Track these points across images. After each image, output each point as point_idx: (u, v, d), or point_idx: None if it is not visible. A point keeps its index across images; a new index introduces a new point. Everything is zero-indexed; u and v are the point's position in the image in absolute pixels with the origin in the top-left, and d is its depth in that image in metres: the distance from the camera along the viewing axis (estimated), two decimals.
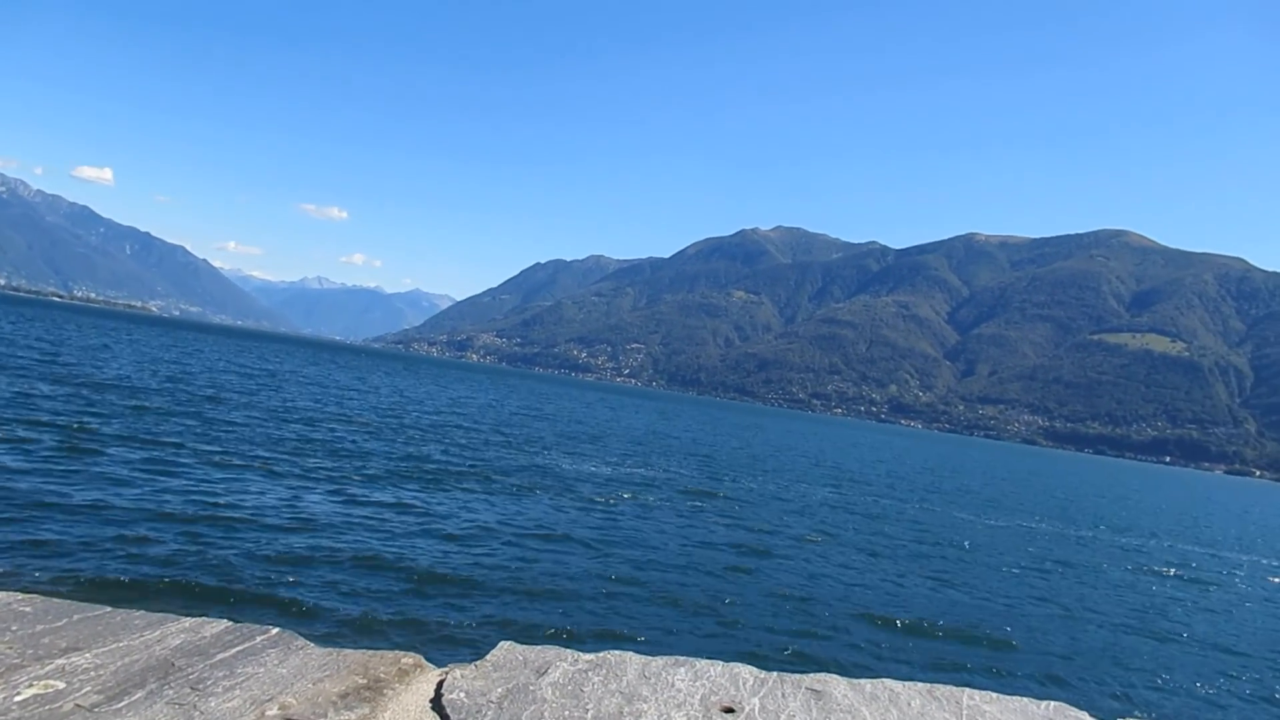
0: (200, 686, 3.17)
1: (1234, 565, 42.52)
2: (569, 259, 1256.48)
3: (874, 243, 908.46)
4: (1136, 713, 15.48)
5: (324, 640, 10.80)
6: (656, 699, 3.37)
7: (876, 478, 63.89)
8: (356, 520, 20.84)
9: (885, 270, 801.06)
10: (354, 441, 36.21)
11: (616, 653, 3.79)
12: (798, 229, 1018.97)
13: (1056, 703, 3.92)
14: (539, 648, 3.80)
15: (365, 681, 3.38)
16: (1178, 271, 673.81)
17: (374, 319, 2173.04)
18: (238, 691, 3.18)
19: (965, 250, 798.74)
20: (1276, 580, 39.25)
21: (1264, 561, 46.69)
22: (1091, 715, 3.79)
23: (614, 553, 21.93)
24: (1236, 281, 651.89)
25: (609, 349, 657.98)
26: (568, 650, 3.79)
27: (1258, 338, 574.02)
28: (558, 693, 3.35)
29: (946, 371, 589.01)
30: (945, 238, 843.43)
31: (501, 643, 3.83)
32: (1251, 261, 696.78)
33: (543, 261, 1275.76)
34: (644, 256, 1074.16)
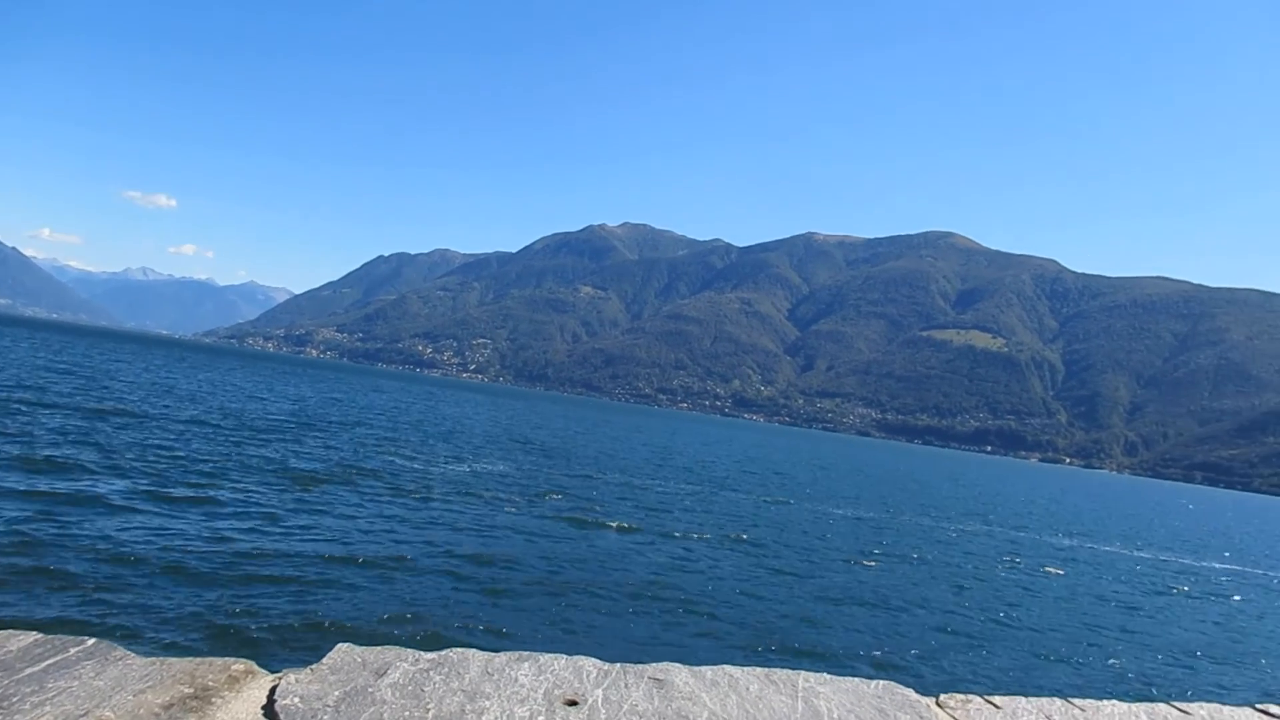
0: (4, 705, 2.93)
1: (1060, 548, 45.20)
2: (414, 252, 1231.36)
3: (719, 240, 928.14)
4: (960, 687, 16.11)
5: (148, 650, 9.97)
6: (499, 695, 3.33)
7: (725, 472, 64.91)
8: (180, 524, 19.89)
9: (729, 267, 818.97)
10: (179, 441, 34.29)
11: (459, 650, 3.74)
12: (645, 226, 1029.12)
13: (886, 681, 4.01)
14: (378, 648, 3.70)
15: (192, 691, 3.20)
16: (999, 272, 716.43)
17: (205, 312, 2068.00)
18: (49, 708, 2.95)
19: (805, 249, 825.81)
20: (1099, 563, 41.88)
21: (1088, 546, 49.79)
22: (918, 692, 3.88)
23: (458, 551, 21.57)
24: (1050, 282, 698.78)
25: (455, 344, 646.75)
26: (408, 650, 3.71)
27: (1069, 334, 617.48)
28: (398, 693, 3.27)
29: (787, 366, 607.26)
30: (786, 236, 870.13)
31: (339, 645, 3.70)
32: (1064, 263, 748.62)
33: (386, 254, 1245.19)
34: (491, 251, 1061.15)
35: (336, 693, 3.24)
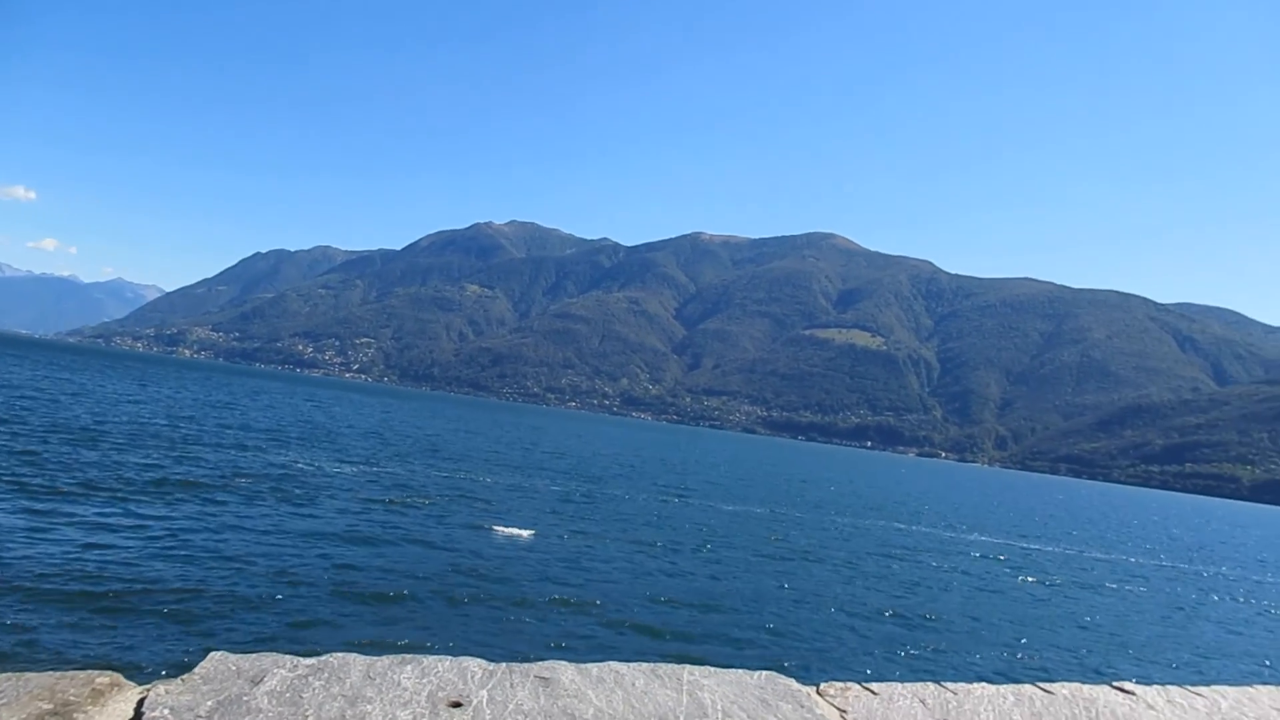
0: None
1: (943, 541, 46.32)
2: (293, 249, 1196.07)
3: (606, 239, 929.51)
4: (841, 675, 16.09)
5: (2, 664, 9.92)
6: (381, 699, 3.27)
7: (613, 469, 64.64)
8: (45, 533, 18.73)
9: (617, 266, 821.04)
10: (45, 447, 32.02)
11: (339, 655, 3.64)
12: (532, 224, 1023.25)
13: (768, 672, 4.06)
14: (254, 655, 3.55)
15: (51, 707, 3.00)
16: (878, 272, 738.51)
17: (68, 310, 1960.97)
18: None
19: (692, 249, 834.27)
20: (976, 555, 43.03)
21: (968, 538, 51.20)
22: (799, 682, 3.95)
23: (343, 555, 21.01)
24: (926, 282, 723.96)
25: (337, 344, 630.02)
26: (286, 656, 3.58)
27: (943, 333, 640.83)
28: (274, 701, 3.15)
29: (675, 365, 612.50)
30: (673, 236, 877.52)
31: (212, 653, 3.52)
32: (939, 264, 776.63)
33: (264, 251, 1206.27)
34: (375, 248, 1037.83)
35: (209, 703, 3.09)
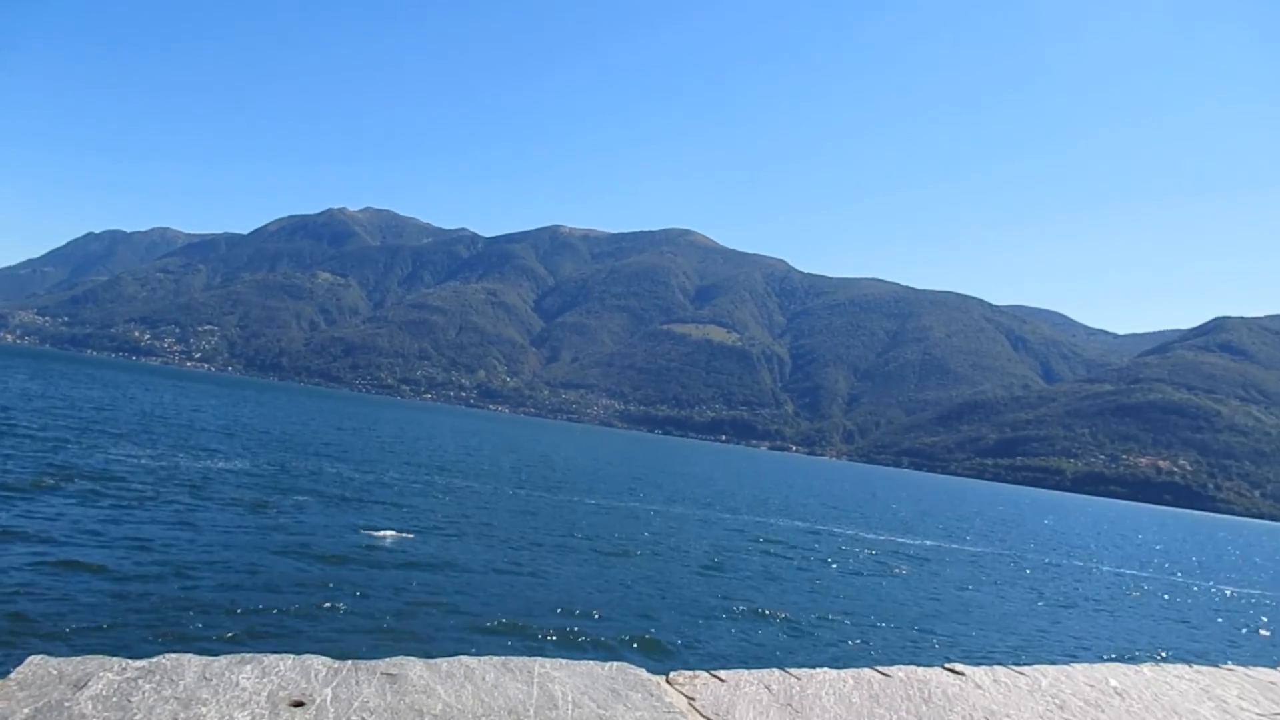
0: None
1: (798, 530, 47.14)
2: (129, 230, 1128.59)
3: (465, 230, 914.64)
4: (691, 664, 15.97)
5: None
6: (218, 701, 3.10)
7: (463, 461, 63.51)
8: None
9: (475, 257, 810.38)
10: None
11: (173, 656, 3.44)
12: (388, 212, 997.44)
13: (619, 663, 4.09)
14: (78, 659, 3.30)
15: None
16: (734, 270, 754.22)
17: None
18: None
19: (551, 241, 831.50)
20: (825, 545, 43.97)
21: (820, 528, 52.26)
22: (649, 671, 3.99)
23: (181, 553, 19.96)
24: (780, 280, 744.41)
25: (178, 330, 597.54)
26: (114, 659, 3.34)
27: (795, 330, 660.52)
28: (100, 706, 2.95)
29: (533, 358, 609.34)
30: (533, 228, 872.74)
31: (31, 657, 3.28)
32: (792, 263, 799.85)
33: (97, 231, 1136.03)
34: (220, 231, 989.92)
35: (26, 710, 2.88)
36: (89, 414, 56.40)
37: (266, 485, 34.14)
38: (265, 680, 3.32)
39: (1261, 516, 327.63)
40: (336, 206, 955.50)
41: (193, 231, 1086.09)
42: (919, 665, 4.78)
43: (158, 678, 3.22)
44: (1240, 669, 6.04)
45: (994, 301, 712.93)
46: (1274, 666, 6.32)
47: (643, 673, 4.00)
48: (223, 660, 3.42)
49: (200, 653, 3.52)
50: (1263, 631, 36.06)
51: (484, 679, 3.66)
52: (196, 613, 15.42)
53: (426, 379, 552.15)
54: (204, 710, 3.03)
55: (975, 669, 4.92)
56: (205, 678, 3.26)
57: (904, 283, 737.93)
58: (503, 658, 3.86)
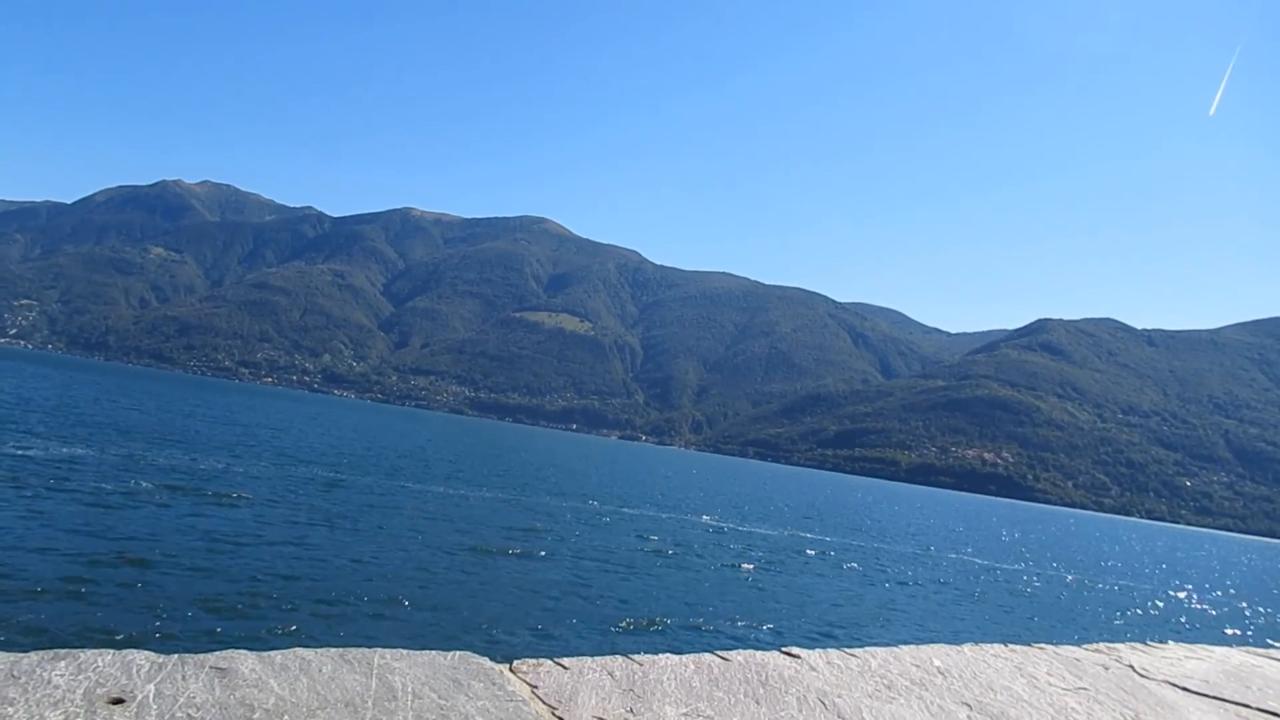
0: None
1: (651, 519, 47.54)
2: None
3: (311, 208, 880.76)
4: (532, 653, 15.94)
5: None
6: (27, 700, 2.85)
7: (325, 449, 61.76)
8: None
9: (322, 237, 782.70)
10: None
11: None
12: (228, 186, 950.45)
13: (461, 652, 4.06)
14: None
15: None
16: (588, 259, 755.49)
17: None
18: None
19: (402, 224, 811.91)
20: (692, 533, 44.52)
21: (662, 516, 52.84)
22: (492, 660, 4.01)
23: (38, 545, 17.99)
24: (633, 271, 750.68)
25: None
26: None
27: (647, 320, 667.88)
28: None
29: (381, 342, 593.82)
30: (383, 210, 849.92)
31: None
32: (645, 255, 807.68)
33: None
34: (40, 200, 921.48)
35: None
36: None
37: (99, 467, 32.31)
38: (81, 677, 3.08)
39: (1073, 505, 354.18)
40: (171, 179, 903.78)
41: (9, 199, 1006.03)
42: (758, 649, 4.92)
43: None
44: (1050, 647, 6.60)
45: (838, 299, 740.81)
46: (1077, 644, 6.93)
47: (485, 661, 3.99)
48: (33, 656, 3.16)
49: (6, 649, 3.22)
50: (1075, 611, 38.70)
51: (321, 671, 3.53)
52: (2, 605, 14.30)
53: (268, 361, 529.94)
54: (11, 710, 2.81)
55: (810, 652, 5.09)
56: (13, 675, 3.02)
57: (753, 277, 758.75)
58: (341, 649, 3.76)
